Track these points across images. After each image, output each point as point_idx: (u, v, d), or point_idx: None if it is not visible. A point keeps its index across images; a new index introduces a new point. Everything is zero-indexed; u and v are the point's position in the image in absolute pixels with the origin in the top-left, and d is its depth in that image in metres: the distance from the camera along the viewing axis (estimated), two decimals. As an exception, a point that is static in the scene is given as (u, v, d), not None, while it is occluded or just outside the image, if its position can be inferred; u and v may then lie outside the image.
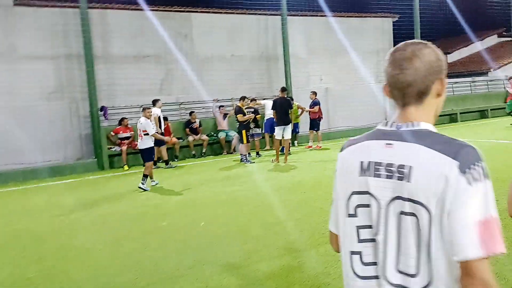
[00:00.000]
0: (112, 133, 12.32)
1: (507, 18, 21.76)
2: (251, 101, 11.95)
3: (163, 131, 11.41)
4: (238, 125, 11.42)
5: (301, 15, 16.20)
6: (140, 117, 9.20)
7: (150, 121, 8.98)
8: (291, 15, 15.34)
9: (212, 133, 13.65)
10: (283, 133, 10.73)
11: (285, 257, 4.46)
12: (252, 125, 11.80)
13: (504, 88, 19.78)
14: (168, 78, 14.26)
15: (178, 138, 13.10)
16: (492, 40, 26.30)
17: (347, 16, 17.22)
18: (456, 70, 22.81)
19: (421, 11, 17.63)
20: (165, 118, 12.35)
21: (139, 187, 8.51)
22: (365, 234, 1.31)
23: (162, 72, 14.18)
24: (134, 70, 13.67)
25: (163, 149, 11.45)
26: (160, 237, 5.51)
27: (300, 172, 9.47)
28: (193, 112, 13.33)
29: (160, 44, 13.83)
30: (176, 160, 12.70)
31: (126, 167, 11.92)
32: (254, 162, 11.18)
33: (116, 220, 6.58)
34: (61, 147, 12.47)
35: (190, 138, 13.14)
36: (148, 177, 8.71)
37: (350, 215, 1.35)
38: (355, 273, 1.33)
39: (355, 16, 17.51)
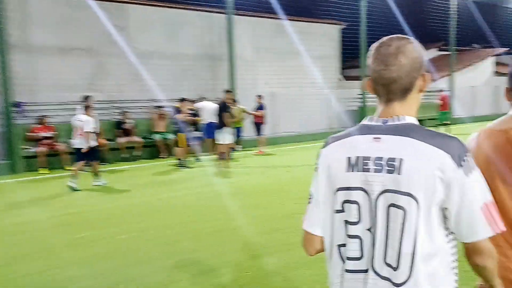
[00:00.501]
0: (30, 133, 11.02)
1: (446, 32, 22.83)
2: (192, 102, 11.32)
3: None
4: (176, 127, 10.69)
5: (248, 15, 15.79)
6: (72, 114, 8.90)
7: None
8: (238, 15, 14.88)
9: (147, 135, 12.73)
10: (222, 137, 10.18)
11: (212, 275, 4.07)
12: (191, 128, 11.12)
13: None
14: (100, 73, 13.18)
15: (108, 140, 12.07)
16: (433, 52, 27.55)
17: (296, 20, 17.09)
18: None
19: (368, 21, 17.94)
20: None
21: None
22: (353, 228, 1.33)
23: (93, 67, 13.08)
24: (60, 63, 12.48)
25: None
26: (75, 252, 4.75)
27: (240, 178, 9.14)
28: (126, 111, 12.37)
29: (92, 36, 12.77)
30: (104, 164, 11.62)
31: (45, 170, 10.69)
32: (192, 167, 10.49)
33: (24, 231, 5.64)
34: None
35: (121, 139, 12.14)
36: (93, 175, 8.70)
37: (337, 211, 1.37)
38: (343, 267, 1.36)
39: (304, 21, 17.46)
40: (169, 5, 14.25)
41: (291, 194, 7.22)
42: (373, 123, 1.35)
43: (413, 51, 1.31)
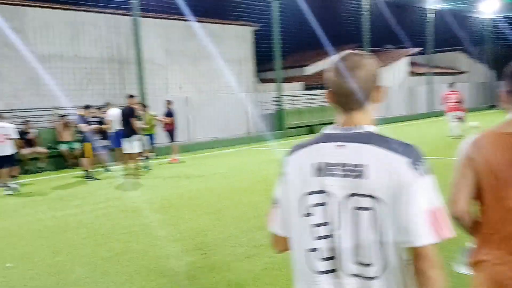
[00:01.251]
0: None
1: (360, 33, 24.16)
2: (98, 109, 11.25)
3: None
4: (81, 137, 10.59)
5: (156, 17, 15.89)
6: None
7: None
8: (144, 16, 14.94)
9: (51, 145, 12.41)
10: (129, 145, 10.23)
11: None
12: (98, 137, 11.06)
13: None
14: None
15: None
16: (347, 54, 29.03)
17: (207, 22, 17.49)
18: (314, 83, 24.62)
19: (281, 22, 18.66)
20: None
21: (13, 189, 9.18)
22: (322, 231, 1.44)
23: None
24: None
25: None
26: None
27: (149, 190, 9.06)
28: (28, 121, 11.97)
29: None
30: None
31: None
32: (99, 179, 10.45)
33: None
34: None
35: (24, 151, 11.76)
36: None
37: (305, 215, 1.47)
38: (313, 269, 1.46)
39: (215, 22, 17.90)
40: (69, 7, 13.94)
41: (203, 206, 7.20)
42: (335, 131, 1.48)
43: (370, 65, 1.46)
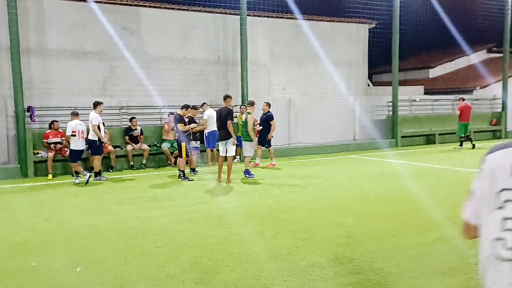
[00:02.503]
0: (44, 140, 11.59)
1: (498, 32, 21.51)
2: (192, 108, 11.40)
3: (105, 139, 10.97)
4: (177, 137, 10.80)
5: (264, 16, 15.73)
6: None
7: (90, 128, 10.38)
8: (252, 15, 14.87)
9: (155, 143, 12.94)
10: (223, 149, 10.13)
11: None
12: (193, 138, 11.23)
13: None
14: (111, 77, 13.65)
15: (115, 147, 12.40)
16: (481, 55, 26.22)
17: (318, 20, 16.88)
18: (438, 87, 22.58)
19: (402, 19, 17.24)
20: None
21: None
22: (510, 224, 1.68)
23: (105, 71, 13.54)
24: (72, 67, 13.04)
25: (97, 158, 10.89)
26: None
27: (237, 197, 8.81)
28: (134, 118, 12.67)
29: (103, 39, 13.24)
30: (111, 171, 12.01)
31: (50, 176, 11.17)
32: (192, 180, 10.52)
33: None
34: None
35: (129, 147, 12.45)
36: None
37: (497, 208, 1.71)
38: (498, 256, 1.68)
39: (327, 20, 17.14)
40: (181, 8, 14.49)
41: (289, 222, 6.60)
42: None
43: None
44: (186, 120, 10.87)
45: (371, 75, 26.71)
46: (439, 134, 18.20)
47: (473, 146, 15.65)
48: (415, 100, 18.79)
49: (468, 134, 16.06)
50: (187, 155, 10.69)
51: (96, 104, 10.76)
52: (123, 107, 13.36)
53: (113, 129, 12.76)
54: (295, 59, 16.47)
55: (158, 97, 13.41)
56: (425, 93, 20.80)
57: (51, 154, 11.34)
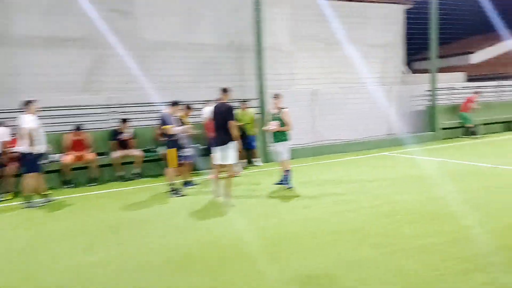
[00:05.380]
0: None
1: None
2: (187, 108, 8.86)
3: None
4: (166, 141, 8.19)
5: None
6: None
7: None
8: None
9: (151, 147, 10.34)
10: (221, 155, 7.43)
11: None
12: (187, 142, 8.60)
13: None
14: (98, 69, 11.09)
15: (100, 154, 9.88)
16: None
17: (347, 0, 13.89)
18: (479, 72, 19.46)
19: (441, 1, 14.25)
20: (78, 128, 9.37)
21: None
22: None
23: (90, 61, 11.00)
24: (48, 57, 10.54)
25: (31, 177, 7.58)
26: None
27: (233, 218, 6.22)
28: (126, 120, 10.03)
29: (88, 24, 10.65)
30: (94, 184, 9.46)
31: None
32: (184, 195, 7.96)
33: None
34: None
35: (115, 154, 9.87)
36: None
37: None
38: None
39: (357, 0, 14.13)
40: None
41: (280, 259, 4.42)
42: None
43: None
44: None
45: (411, 63, 23.71)
46: (484, 124, 15.21)
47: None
48: (455, 88, 15.76)
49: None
50: (178, 164, 8.08)
51: (27, 103, 7.48)
52: (109, 105, 10.75)
53: (98, 132, 10.24)
54: (321, 44, 13.61)
55: (159, 91, 10.81)
56: (467, 80, 17.74)
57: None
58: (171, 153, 7.92)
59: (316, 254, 4.51)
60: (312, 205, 6.68)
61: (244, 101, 10.88)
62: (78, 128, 9.50)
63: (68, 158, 9.29)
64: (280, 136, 7.89)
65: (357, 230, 5.19)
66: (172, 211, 6.84)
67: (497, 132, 15.48)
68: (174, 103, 8.16)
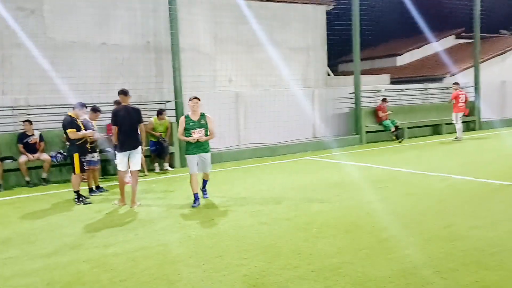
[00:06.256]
0: None
1: (466, 17, 19.14)
2: (92, 111, 8.53)
3: None
4: (68, 146, 7.89)
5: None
6: None
7: None
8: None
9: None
10: (130, 160, 7.30)
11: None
12: (91, 146, 8.32)
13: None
14: (3, 70, 10.50)
15: (6, 158, 9.40)
16: (449, 41, 23.90)
17: (269, 0, 13.93)
18: (405, 75, 20.15)
19: (364, 3, 14.59)
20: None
21: None
22: None
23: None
24: None
25: None
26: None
27: (134, 232, 5.85)
28: (28, 120, 9.58)
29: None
30: (-1, 190, 8.98)
31: None
32: (90, 203, 7.67)
33: None
34: None
35: (22, 158, 9.42)
36: None
37: None
38: None
39: (280, 1, 14.21)
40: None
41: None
42: None
43: None
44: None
45: (337, 64, 24.12)
46: (408, 128, 15.73)
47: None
48: (380, 90, 16.19)
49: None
50: (81, 170, 7.76)
51: None
52: (15, 107, 10.13)
53: (4, 135, 9.69)
54: (243, 46, 13.53)
55: (70, 92, 10.36)
56: (392, 83, 18.25)
57: None
58: (75, 158, 7.61)
59: (216, 280, 4.02)
60: (224, 216, 6.31)
61: (161, 111, 10.66)
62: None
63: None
64: (204, 145, 7.18)
65: (268, 247, 4.85)
66: (69, 223, 6.43)
67: (423, 136, 15.99)
68: (81, 105, 7.84)
